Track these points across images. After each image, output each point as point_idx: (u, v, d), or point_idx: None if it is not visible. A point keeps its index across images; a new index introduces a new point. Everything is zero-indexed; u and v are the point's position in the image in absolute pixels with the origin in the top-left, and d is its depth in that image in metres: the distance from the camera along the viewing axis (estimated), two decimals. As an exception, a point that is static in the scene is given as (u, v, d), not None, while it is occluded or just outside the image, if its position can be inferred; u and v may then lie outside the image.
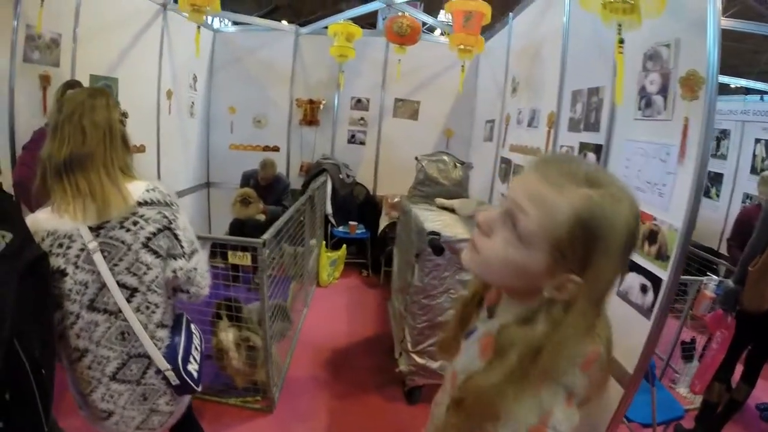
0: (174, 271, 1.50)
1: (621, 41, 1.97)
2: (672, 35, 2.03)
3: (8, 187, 2.85)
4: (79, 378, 1.49)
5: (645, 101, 2.22)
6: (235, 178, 5.34)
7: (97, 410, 1.52)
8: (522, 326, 0.74)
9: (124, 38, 4.13)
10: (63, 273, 1.40)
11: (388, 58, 5.72)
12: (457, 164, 3.87)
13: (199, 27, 4.47)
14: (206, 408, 3.00)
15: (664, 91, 2.09)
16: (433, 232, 2.71)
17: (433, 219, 3.09)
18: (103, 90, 1.58)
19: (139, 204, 1.45)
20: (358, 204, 5.84)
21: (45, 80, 3.19)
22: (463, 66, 4.14)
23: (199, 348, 1.68)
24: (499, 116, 4.56)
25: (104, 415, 1.52)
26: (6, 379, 1.17)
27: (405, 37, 4.42)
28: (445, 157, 3.88)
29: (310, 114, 5.90)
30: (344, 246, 5.45)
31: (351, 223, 5.49)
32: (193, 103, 5.55)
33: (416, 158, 3.93)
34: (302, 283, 4.27)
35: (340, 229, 5.52)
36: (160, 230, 1.46)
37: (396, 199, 5.42)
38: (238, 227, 4.75)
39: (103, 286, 1.42)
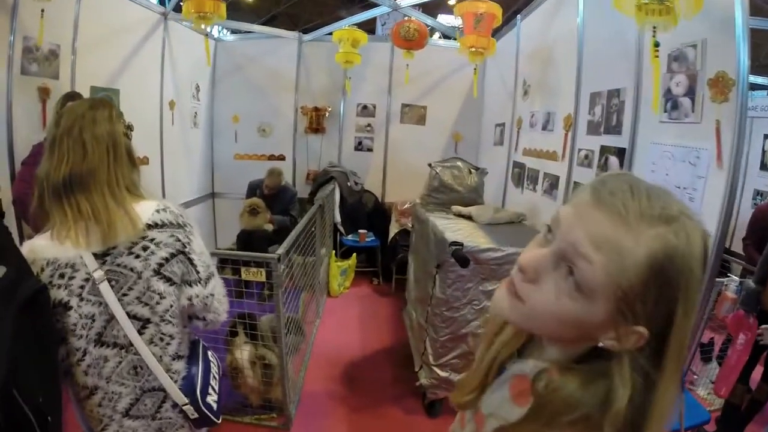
0: (189, 299, 1.37)
1: (656, 44, 1.91)
2: (698, 36, 1.98)
3: (7, 203, 2.79)
4: (89, 415, 1.37)
5: (671, 103, 2.18)
6: (240, 188, 5.27)
7: None
8: (582, 385, 0.62)
9: (125, 48, 4.07)
10: (66, 306, 1.26)
11: (394, 63, 5.67)
12: (472, 170, 3.79)
13: (207, 35, 4.41)
14: (221, 427, 2.90)
15: (691, 93, 2.04)
16: (455, 243, 2.63)
17: (452, 228, 3.00)
18: (105, 101, 1.42)
19: (149, 227, 1.31)
20: (367, 212, 5.76)
21: (44, 93, 3.12)
22: (476, 69, 4.06)
23: (217, 377, 1.55)
24: (509, 120, 4.50)
25: None
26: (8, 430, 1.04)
27: (413, 41, 4.34)
28: (460, 163, 3.80)
29: (316, 121, 5.84)
30: (354, 255, 5.36)
31: (360, 231, 5.41)
32: (196, 113, 5.50)
33: (430, 165, 3.85)
34: (313, 294, 4.19)
35: (350, 237, 5.44)
36: (173, 255, 1.33)
37: (406, 206, 5.35)
38: (246, 238, 4.66)
39: (111, 318, 1.29)
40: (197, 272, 1.38)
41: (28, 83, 3.03)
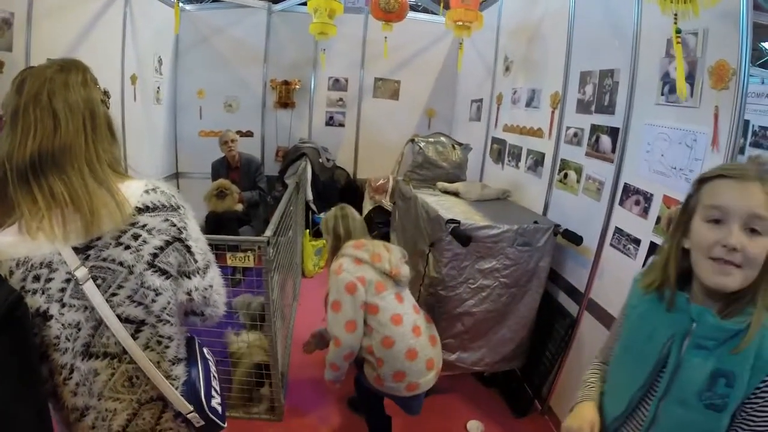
0: (189, 293, 1.19)
1: (678, 31, 1.90)
2: (699, 24, 1.99)
3: None
4: None
5: (669, 87, 2.20)
6: (206, 166, 5.05)
7: None
8: None
9: (84, 18, 3.76)
10: (45, 316, 1.03)
11: (368, 35, 5.52)
12: (456, 146, 3.72)
13: (177, 1, 4.13)
14: None
15: (690, 78, 2.05)
16: (452, 220, 2.56)
17: (444, 205, 2.94)
18: (78, 62, 1.16)
19: (139, 210, 1.10)
20: (339, 188, 5.65)
21: None
22: (461, 44, 3.95)
23: (216, 376, 1.38)
24: (488, 96, 4.45)
25: None
26: None
27: (392, 13, 4.18)
28: (443, 139, 3.72)
29: (285, 96, 5.67)
30: (328, 233, 5.21)
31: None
32: (158, 88, 5.20)
33: (412, 140, 3.77)
34: (289, 276, 4.06)
35: (322, 215, 5.26)
36: (168, 243, 1.13)
37: (380, 182, 5.25)
38: (215, 220, 4.46)
39: (99, 324, 1.08)
40: (195, 261, 1.19)
41: (-22, 55, 2.75)
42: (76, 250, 1.04)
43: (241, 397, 2.84)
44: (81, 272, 1.04)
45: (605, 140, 2.60)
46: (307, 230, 5.15)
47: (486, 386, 3.24)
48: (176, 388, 1.20)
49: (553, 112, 3.17)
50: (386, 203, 5.08)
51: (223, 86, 5.64)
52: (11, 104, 1.06)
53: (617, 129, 2.49)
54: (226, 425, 1.32)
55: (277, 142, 5.84)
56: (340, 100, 5.76)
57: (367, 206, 5.29)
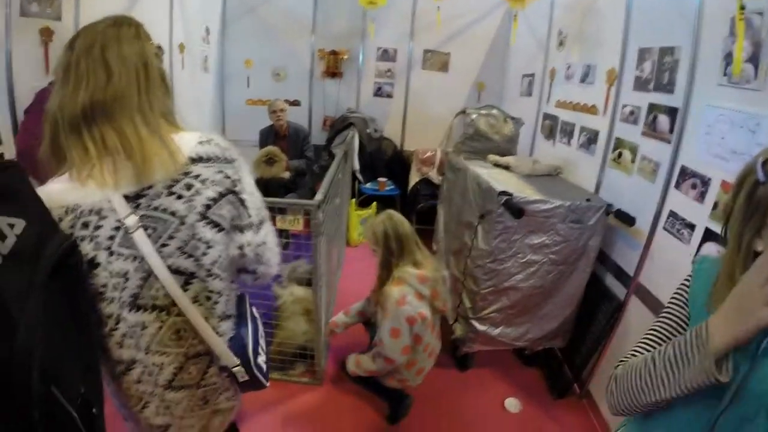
0: (241, 248, 1.16)
1: (742, 6, 1.82)
2: (765, 2, 1.87)
3: (11, 157, 2.58)
4: (125, 393, 1.18)
5: (731, 68, 2.07)
6: (253, 134, 5.10)
7: (149, 427, 1.23)
8: None
9: (132, -14, 3.79)
10: (93, 263, 1.02)
11: (417, 6, 5.43)
12: (508, 119, 3.65)
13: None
14: None
15: (754, 60, 1.95)
16: (505, 192, 2.52)
17: (495, 178, 2.90)
18: (130, 18, 1.15)
19: (192, 161, 1.08)
20: (386, 159, 5.64)
21: (46, 35, 2.86)
22: (515, 16, 3.84)
23: (263, 336, 1.39)
24: (540, 70, 4.35)
25: (160, 430, 1.24)
26: None
27: (448, -17, 4.10)
28: (495, 111, 3.66)
29: (333, 66, 5.66)
30: (374, 203, 5.26)
31: (380, 179, 5.33)
32: (206, 57, 5.27)
33: (464, 111, 3.72)
34: (335, 243, 4.10)
35: (369, 186, 5.35)
36: (222, 195, 1.10)
37: (428, 154, 5.21)
38: (263, 187, 4.44)
39: (148, 275, 1.07)
40: (249, 216, 1.17)
41: (29, 25, 2.77)
42: (126, 198, 1.03)
43: (283, 359, 2.91)
44: (131, 220, 1.02)
45: (663, 120, 2.51)
46: (353, 199, 5.18)
47: (526, 364, 3.25)
48: (223, 343, 1.20)
49: (608, 89, 3.08)
50: (433, 176, 5.07)
51: (271, 56, 5.67)
52: (64, 60, 1.05)
53: (676, 109, 2.40)
54: (268, 385, 1.32)
55: (324, 111, 5.86)
56: (389, 71, 5.71)
57: (414, 178, 5.29)
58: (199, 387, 1.23)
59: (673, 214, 2.35)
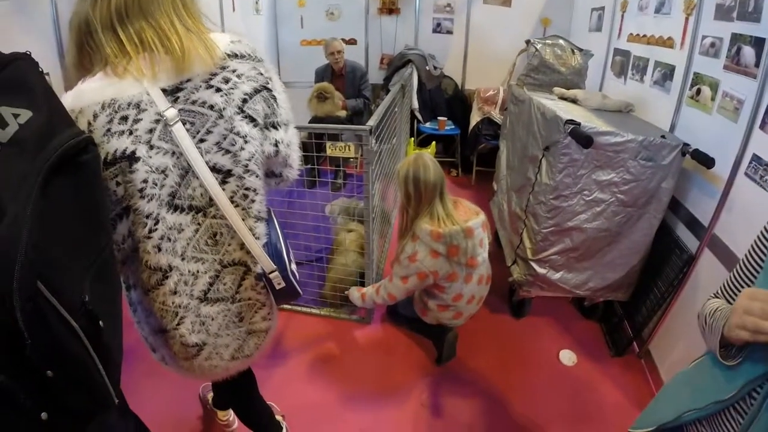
0: (276, 144, 1.16)
1: None
2: None
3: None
4: (159, 310, 1.14)
5: None
6: (308, 75, 5.07)
7: (184, 347, 1.20)
8: None
9: None
10: (133, 158, 0.99)
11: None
12: (575, 50, 3.36)
13: None
14: (299, 320, 2.88)
15: None
16: (572, 121, 2.31)
17: (562, 108, 2.69)
18: None
19: (228, 56, 1.09)
20: (446, 98, 5.48)
21: None
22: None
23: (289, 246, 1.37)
24: (611, 2, 4.03)
25: (194, 351, 1.21)
26: (41, 349, 0.70)
27: None
28: (562, 42, 3.39)
29: (390, 2, 5.45)
30: (434, 143, 5.13)
31: (440, 118, 5.20)
32: (257, -2, 5.17)
33: (528, 41, 3.47)
34: (392, 183, 4.00)
35: (428, 125, 5.23)
36: (256, 90, 1.11)
37: (490, 93, 4.97)
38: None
39: (186, 172, 1.05)
40: (280, 114, 1.18)
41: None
42: (164, 92, 1.02)
43: (334, 295, 2.88)
44: (171, 113, 1.02)
45: (748, 52, 2.25)
46: (412, 138, 5.10)
47: (584, 316, 3.12)
48: (260, 246, 1.20)
49: (686, 19, 2.81)
50: (495, 115, 4.86)
51: (325, -6, 5.52)
52: None
53: (763, 39, 2.15)
54: (302, 294, 1.34)
55: (381, 49, 5.71)
56: (448, 5, 5.44)
57: (475, 117, 5.11)
58: (234, 301, 1.22)
59: (756, 158, 2.10)
